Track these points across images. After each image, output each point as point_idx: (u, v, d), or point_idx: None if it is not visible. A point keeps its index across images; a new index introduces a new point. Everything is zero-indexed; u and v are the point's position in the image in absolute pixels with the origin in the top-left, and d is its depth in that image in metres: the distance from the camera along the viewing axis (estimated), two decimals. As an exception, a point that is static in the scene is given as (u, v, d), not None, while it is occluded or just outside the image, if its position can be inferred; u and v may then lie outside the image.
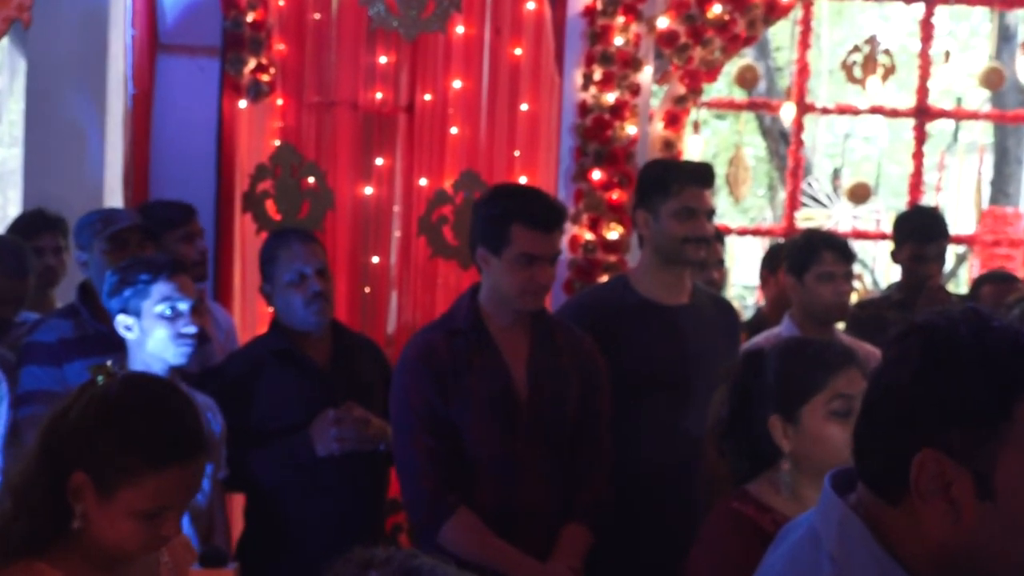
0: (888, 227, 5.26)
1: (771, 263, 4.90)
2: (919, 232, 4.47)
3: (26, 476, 1.91)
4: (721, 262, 4.75)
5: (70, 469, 1.88)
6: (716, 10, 5.12)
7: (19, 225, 4.46)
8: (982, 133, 9.65)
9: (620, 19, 5.07)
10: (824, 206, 11.54)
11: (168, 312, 3.09)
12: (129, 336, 3.11)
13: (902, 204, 7.33)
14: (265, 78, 5.06)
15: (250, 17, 4.99)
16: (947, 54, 6.80)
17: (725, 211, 15.42)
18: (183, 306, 3.11)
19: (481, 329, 3.12)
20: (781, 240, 6.49)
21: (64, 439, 1.90)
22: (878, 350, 3.91)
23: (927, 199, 9.31)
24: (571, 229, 5.08)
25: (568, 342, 3.22)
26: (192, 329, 3.11)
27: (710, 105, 7.40)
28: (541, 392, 3.12)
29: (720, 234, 4.86)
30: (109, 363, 1.97)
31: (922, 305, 4.34)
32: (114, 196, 4.99)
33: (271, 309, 3.60)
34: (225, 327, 4.24)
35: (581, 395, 3.19)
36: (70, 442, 1.89)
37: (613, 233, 5.10)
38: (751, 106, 8.08)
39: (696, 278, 4.43)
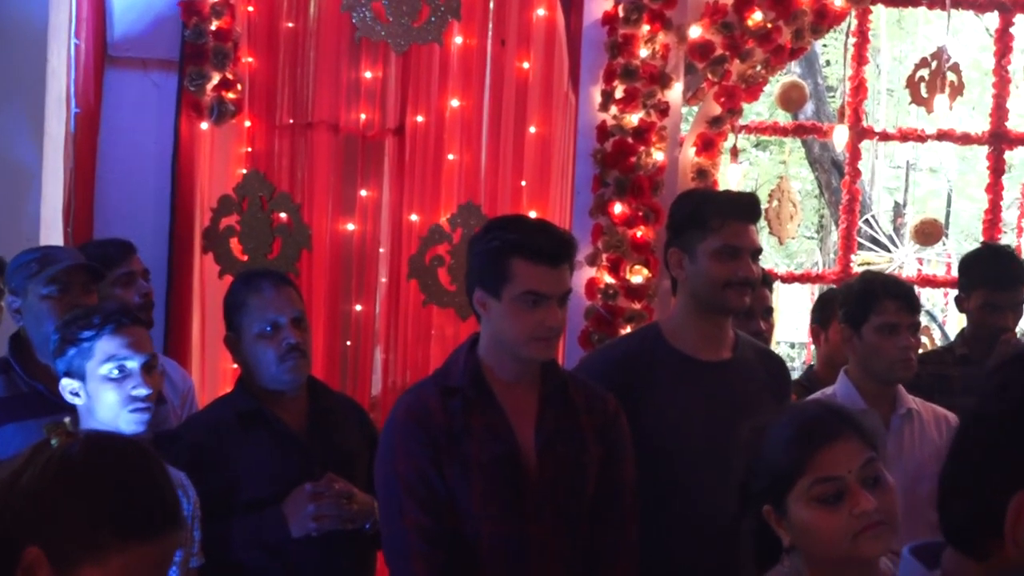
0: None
1: (823, 314, 4.91)
2: (992, 276, 4.48)
3: None
4: (769, 310, 4.76)
5: (22, 544, 1.88)
6: (757, 17, 5.16)
7: None
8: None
9: (645, 28, 5.11)
10: (885, 248, 11.57)
11: (115, 373, 3.09)
12: (76, 402, 3.12)
13: (975, 246, 7.35)
14: (231, 96, 5.11)
15: (214, 25, 5.05)
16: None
17: (766, 254, 15.45)
18: (132, 364, 3.11)
19: (481, 386, 3.12)
20: (834, 287, 6.50)
21: (15, 508, 1.89)
22: (948, 412, 3.93)
23: (1005, 240, 9.36)
24: (589, 272, 5.10)
25: (585, 400, 3.22)
26: (144, 391, 3.11)
27: (749, 129, 7.46)
28: (553, 459, 3.11)
29: (768, 277, 4.87)
30: (67, 420, 1.98)
31: (993, 363, 4.34)
32: (52, 234, 5.01)
33: (236, 365, 3.60)
34: (182, 389, 4.23)
35: (601, 463, 3.18)
36: (23, 512, 1.89)
37: (637, 277, 5.11)
38: (797, 130, 8.14)
39: (741, 329, 4.46)
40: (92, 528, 1.85)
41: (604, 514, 3.17)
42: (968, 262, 4.71)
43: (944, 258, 11.86)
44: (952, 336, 12.94)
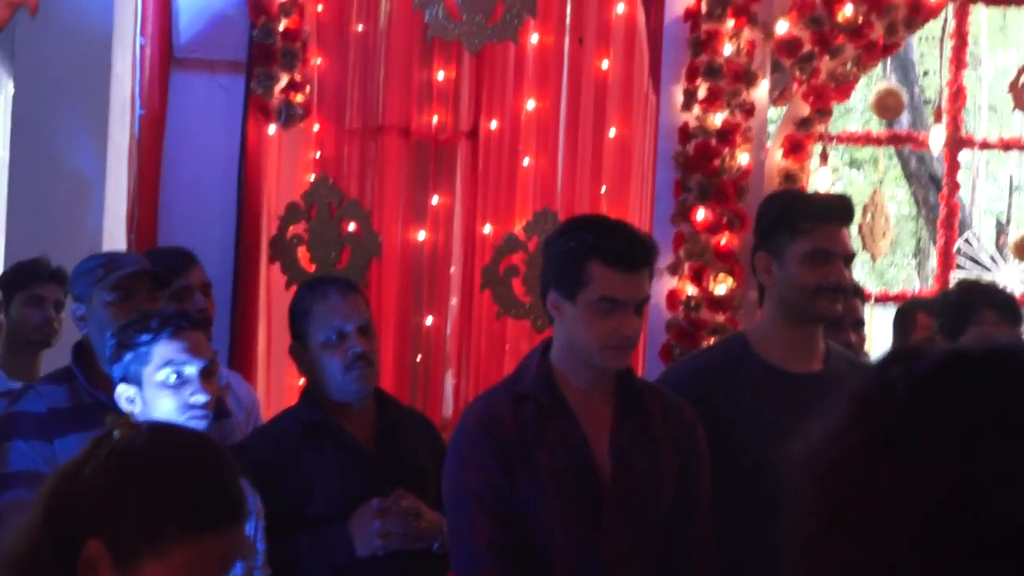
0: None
1: (903, 327, 4.88)
2: None
3: (26, 546, 1.94)
4: (860, 322, 4.74)
5: (83, 537, 1.91)
6: (847, 12, 5.15)
7: (11, 274, 4.58)
8: None
9: (730, 23, 5.12)
10: (986, 268, 11.43)
11: (172, 379, 3.12)
12: (132, 410, 3.14)
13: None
14: (299, 98, 5.17)
15: (282, 25, 5.12)
16: None
17: (858, 274, 15.28)
18: (190, 370, 3.14)
19: (554, 393, 3.13)
20: (913, 299, 6.45)
21: (76, 501, 1.92)
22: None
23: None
24: (670, 281, 5.10)
25: (662, 410, 3.22)
26: (203, 397, 3.13)
27: (841, 139, 7.45)
28: (628, 471, 3.11)
29: (859, 288, 4.86)
30: (131, 414, 2.02)
31: None
32: (115, 243, 5.09)
33: (302, 376, 3.65)
34: (247, 403, 4.28)
35: (678, 475, 3.19)
36: (84, 504, 1.92)
37: (721, 287, 5.10)
38: (892, 139, 8.11)
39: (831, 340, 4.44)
40: (155, 520, 1.89)
41: (681, 528, 3.17)
42: None
43: (1052, 277, 11.67)
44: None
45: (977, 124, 15.06)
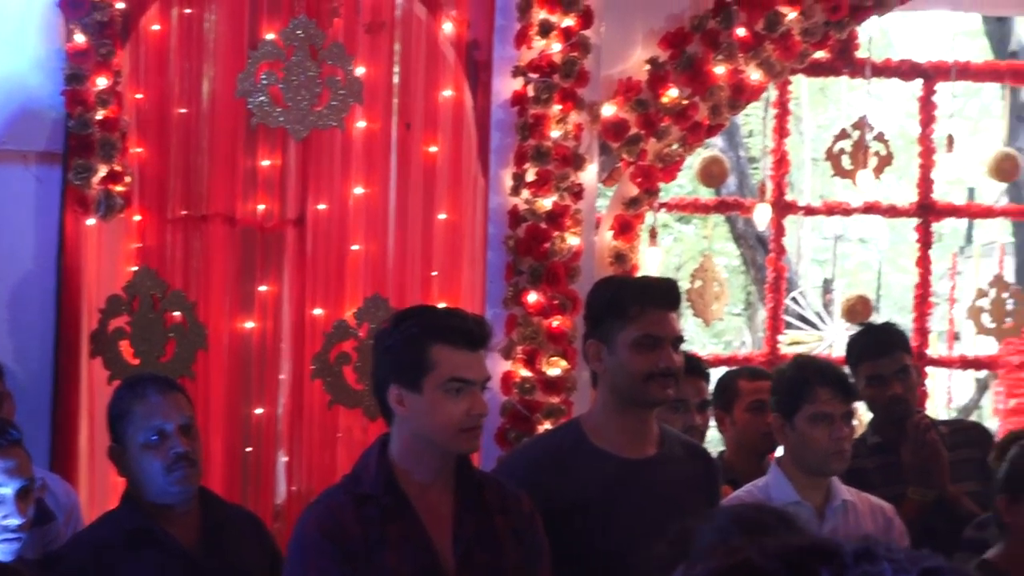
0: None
1: (725, 398, 4.97)
2: (871, 348, 4.60)
3: None
4: (706, 403, 4.82)
5: None
6: (672, 94, 5.26)
7: None
8: (1001, 230, 9.95)
9: (557, 107, 5.18)
10: (814, 326, 11.73)
11: None
12: None
13: (909, 322, 7.49)
14: (119, 189, 5.09)
15: (100, 114, 5.04)
16: (950, 139, 7.04)
17: (693, 335, 15.54)
18: (6, 491, 3.09)
19: (397, 493, 3.13)
20: (731, 369, 6.58)
21: None
22: (884, 503, 3.99)
23: (939, 315, 9.54)
24: (504, 365, 5.12)
25: (501, 502, 3.24)
26: (16, 520, 3.09)
27: (669, 207, 7.58)
28: (473, 567, 3.14)
29: (702, 367, 4.94)
30: None
31: (908, 449, 4.42)
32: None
33: (124, 478, 3.58)
34: (65, 505, 4.19)
35: (521, 568, 3.20)
36: None
37: (555, 369, 5.14)
38: (719, 207, 8.28)
39: (676, 424, 4.50)
40: None
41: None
42: (849, 343, 4.86)
43: (876, 335, 12.04)
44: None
45: (800, 179, 15.53)
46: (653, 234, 5.87)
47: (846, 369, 4.43)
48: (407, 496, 3.14)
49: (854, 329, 10.75)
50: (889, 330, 4.80)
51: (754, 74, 5.37)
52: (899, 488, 4.41)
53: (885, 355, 4.55)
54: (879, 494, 4.24)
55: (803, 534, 2.27)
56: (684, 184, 12.91)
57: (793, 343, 10.19)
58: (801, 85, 11.77)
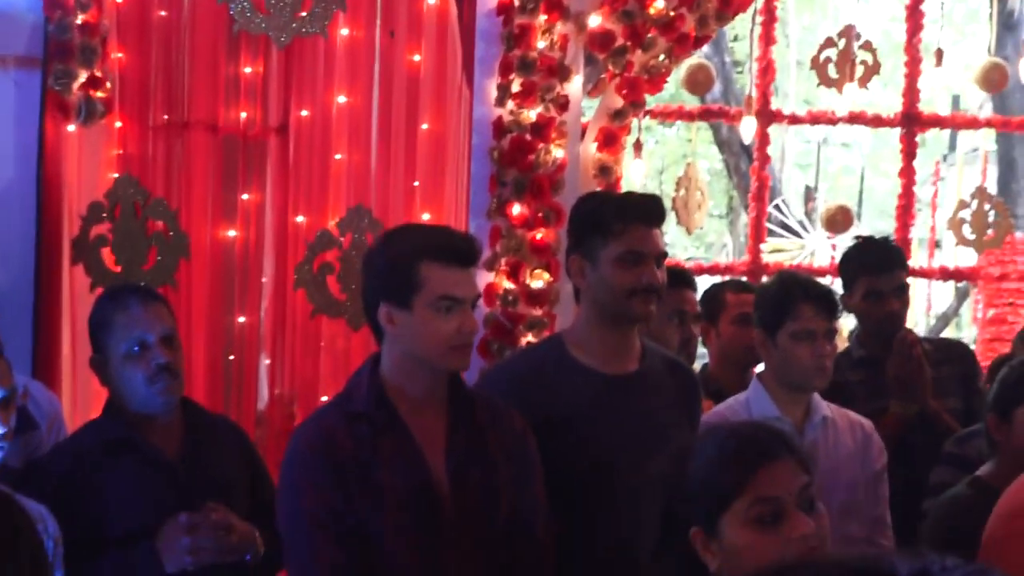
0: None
1: (711, 310, 4.99)
2: (870, 262, 4.61)
3: None
4: (697, 316, 4.84)
5: None
6: (659, 5, 5.20)
7: None
8: (985, 138, 9.95)
9: (542, 18, 5.13)
10: (796, 234, 11.77)
11: None
12: None
13: (890, 227, 7.54)
14: (99, 95, 5.04)
15: (80, 19, 4.97)
16: (939, 54, 7.01)
17: (674, 240, 15.57)
18: None
19: (388, 410, 3.15)
20: (723, 279, 6.61)
21: None
22: (864, 419, 4.03)
23: (920, 221, 9.56)
24: (487, 277, 5.12)
25: (493, 420, 3.26)
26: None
27: (654, 114, 7.56)
28: (466, 485, 3.15)
29: (690, 278, 4.95)
30: None
31: (892, 364, 4.46)
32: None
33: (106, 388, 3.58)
34: (48, 412, 4.19)
35: (513, 485, 3.23)
36: None
37: (538, 281, 5.15)
38: (704, 114, 8.26)
39: (675, 335, 4.53)
40: None
41: (520, 537, 3.23)
42: (846, 256, 4.85)
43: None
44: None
45: (786, 83, 15.45)
46: (638, 146, 5.86)
47: (831, 285, 4.44)
48: (399, 413, 3.15)
49: (836, 239, 10.82)
50: (889, 246, 4.81)
51: (743, -15, 5.33)
52: (882, 402, 4.45)
53: (885, 271, 4.57)
54: (862, 407, 4.28)
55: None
56: (668, 88, 12.85)
57: (775, 251, 10.23)
58: (788, -11, 11.67)
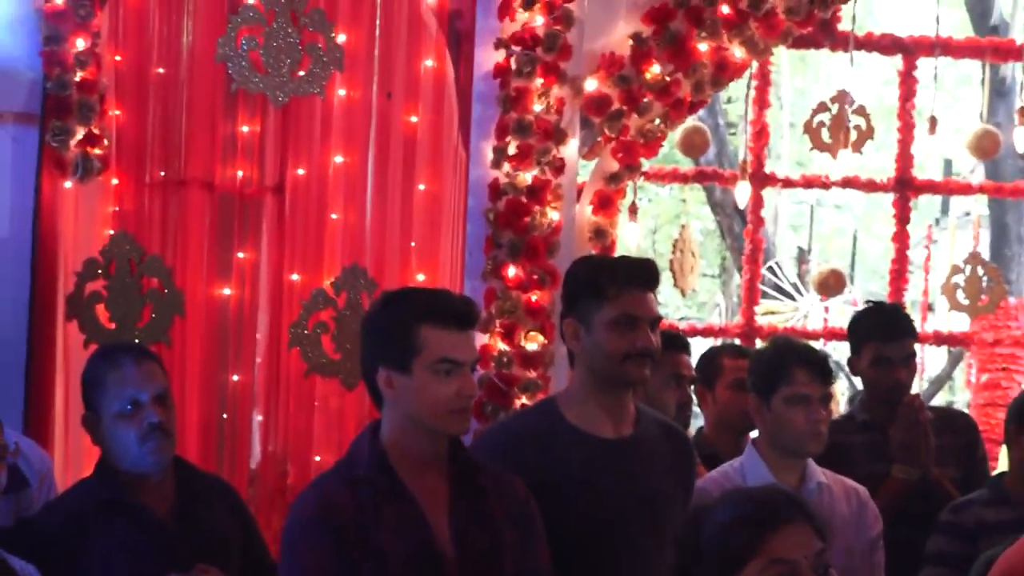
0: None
1: (707, 374, 5.00)
2: (880, 329, 4.62)
3: None
4: (692, 379, 4.86)
5: None
6: (655, 70, 5.24)
7: None
8: (977, 202, 10.00)
9: (539, 81, 5.15)
10: (789, 297, 11.79)
11: None
12: None
13: (883, 289, 7.56)
14: (97, 152, 5.04)
15: (78, 76, 4.98)
16: (933, 121, 7.04)
17: (669, 302, 15.58)
18: None
19: (390, 474, 3.13)
20: (717, 342, 6.62)
21: None
22: (859, 486, 4.03)
23: (913, 284, 9.58)
24: (481, 338, 5.12)
25: (495, 486, 3.25)
26: None
27: (648, 176, 7.59)
28: (470, 548, 3.14)
29: (685, 342, 4.96)
30: None
31: (897, 428, 4.47)
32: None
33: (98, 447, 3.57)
34: (40, 470, 4.17)
35: (517, 548, 3.22)
36: None
37: (533, 344, 5.15)
38: (699, 176, 8.31)
39: (672, 398, 4.53)
40: None
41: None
42: (855, 321, 4.86)
43: (851, 305, 12.09)
44: (859, 387, 13.15)
45: (779, 144, 15.54)
46: (633, 209, 5.87)
47: (824, 348, 4.45)
48: (401, 477, 3.14)
49: (829, 302, 10.86)
50: (899, 314, 4.82)
51: (737, 52, 5.36)
52: (884, 466, 4.45)
53: (895, 339, 4.58)
54: (863, 471, 4.28)
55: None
56: (662, 147, 12.92)
57: (768, 313, 10.25)
58: (781, 56, 11.76)
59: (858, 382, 13.01)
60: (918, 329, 5.22)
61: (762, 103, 7.67)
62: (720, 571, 2.28)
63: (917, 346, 4.98)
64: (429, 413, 3.11)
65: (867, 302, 5.18)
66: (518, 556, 3.20)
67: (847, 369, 5.20)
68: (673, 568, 2.42)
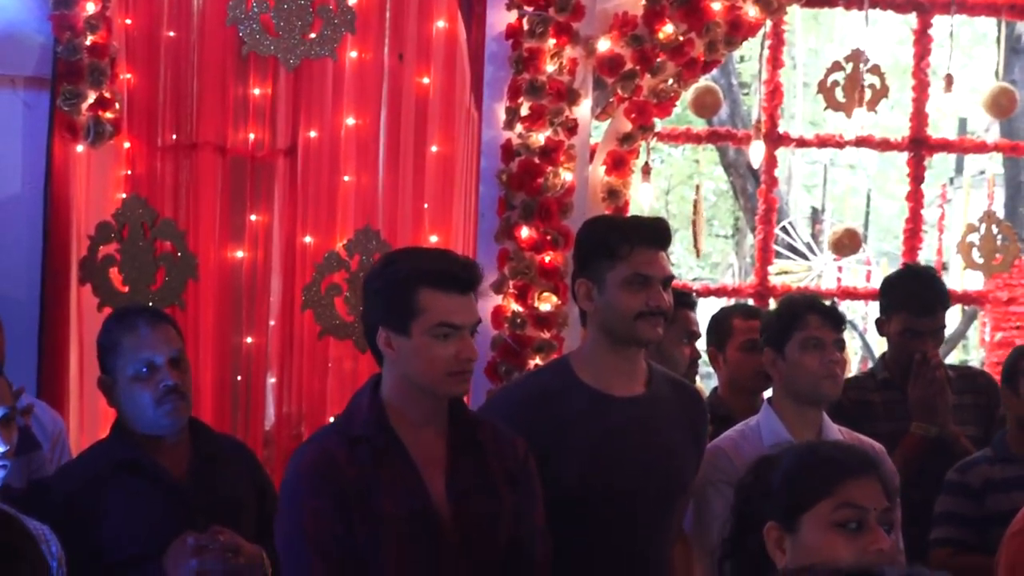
0: (881, 279, 5.38)
1: (718, 336, 4.99)
2: (914, 301, 4.60)
3: None
4: (697, 335, 4.87)
5: None
6: (668, 30, 5.20)
7: None
8: (992, 161, 9.94)
9: (551, 41, 5.13)
10: (803, 256, 11.76)
11: None
12: None
13: (896, 249, 7.53)
14: (108, 115, 5.05)
15: (89, 40, 4.98)
16: (949, 79, 6.98)
17: (679, 259, 15.55)
18: None
19: (389, 434, 3.13)
20: (731, 302, 6.59)
21: None
22: (875, 442, 4.02)
23: (927, 243, 9.54)
24: (495, 299, 5.12)
25: (495, 445, 3.25)
26: (0, 447, 3.08)
27: (661, 137, 7.54)
28: (467, 512, 3.14)
29: (691, 299, 4.96)
30: None
31: (914, 385, 4.46)
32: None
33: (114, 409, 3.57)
34: (51, 432, 4.19)
35: (514, 510, 3.22)
36: None
37: (546, 304, 5.14)
38: (712, 136, 8.26)
39: (684, 356, 4.53)
40: None
41: (517, 563, 3.21)
42: (890, 284, 4.83)
43: (864, 265, 12.07)
44: (872, 347, 13.17)
45: (792, 104, 15.45)
46: (646, 170, 5.85)
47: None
48: (400, 438, 3.14)
49: (842, 261, 10.83)
50: (934, 285, 4.77)
51: (751, 10, 5.32)
52: (903, 424, 4.45)
53: (926, 315, 4.58)
54: (882, 427, 4.29)
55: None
56: (675, 108, 12.88)
57: (782, 273, 10.24)
58: (795, 15, 11.67)
59: (872, 342, 13.06)
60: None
61: (776, 62, 7.60)
62: (789, 506, 2.34)
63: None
64: (426, 375, 3.11)
65: (904, 264, 5.13)
66: (515, 516, 3.21)
67: (859, 328, 5.18)
68: (727, 530, 2.46)
